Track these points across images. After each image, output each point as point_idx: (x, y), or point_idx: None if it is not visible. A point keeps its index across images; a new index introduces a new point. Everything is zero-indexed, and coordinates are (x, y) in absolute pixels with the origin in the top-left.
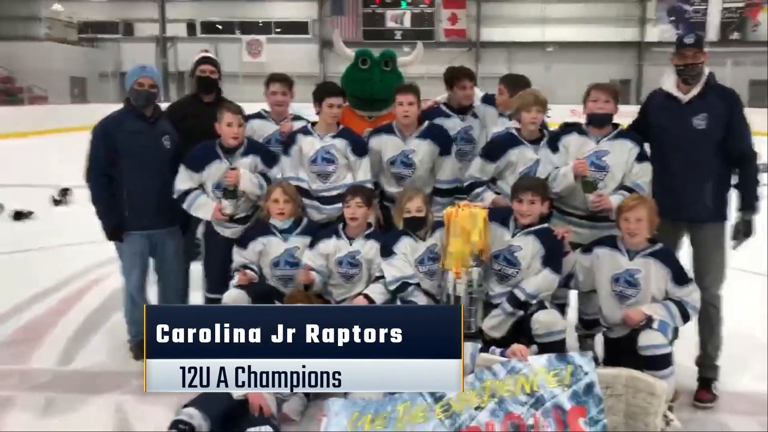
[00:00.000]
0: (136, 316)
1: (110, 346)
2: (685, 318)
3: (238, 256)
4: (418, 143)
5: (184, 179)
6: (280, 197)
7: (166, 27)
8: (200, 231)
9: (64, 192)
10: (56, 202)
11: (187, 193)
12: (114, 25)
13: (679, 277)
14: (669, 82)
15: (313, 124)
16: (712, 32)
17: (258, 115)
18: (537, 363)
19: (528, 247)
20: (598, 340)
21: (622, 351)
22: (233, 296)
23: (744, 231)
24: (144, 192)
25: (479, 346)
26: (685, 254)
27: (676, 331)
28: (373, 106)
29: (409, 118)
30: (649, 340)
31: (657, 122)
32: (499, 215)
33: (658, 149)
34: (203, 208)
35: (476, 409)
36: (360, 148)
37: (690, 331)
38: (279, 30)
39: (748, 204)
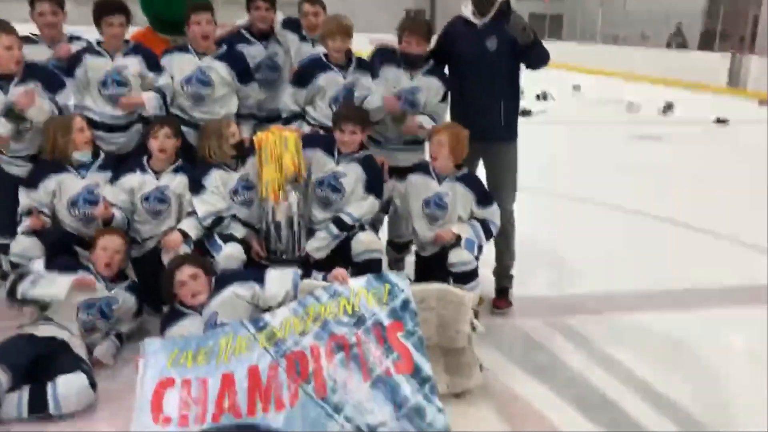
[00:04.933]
0: None
1: None
2: (488, 235)
3: (27, 198)
4: (214, 63)
5: None
6: (84, 127)
7: None
8: None
9: None
10: None
11: None
12: None
13: (483, 199)
14: (467, 10)
15: (99, 43)
16: None
17: (27, 40)
18: (356, 284)
19: (351, 174)
20: (408, 262)
21: (433, 268)
22: (23, 245)
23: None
24: None
25: (300, 272)
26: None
27: (480, 248)
28: (178, 29)
29: (208, 40)
30: (457, 258)
31: (455, 47)
32: (323, 142)
33: (456, 72)
34: None
35: (300, 334)
36: (155, 63)
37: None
38: None
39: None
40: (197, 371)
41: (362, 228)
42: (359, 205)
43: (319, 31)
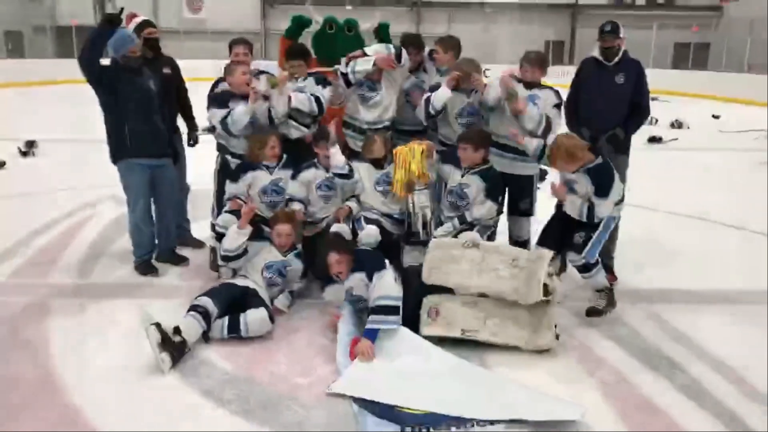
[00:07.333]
0: (140, 240)
1: (117, 265)
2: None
3: (230, 188)
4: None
5: (215, 114)
6: (276, 144)
7: None
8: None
9: (30, 144)
10: (23, 154)
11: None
12: None
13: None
14: (596, 52)
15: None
16: None
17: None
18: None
19: (473, 186)
20: None
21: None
22: (226, 219)
23: (614, 143)
24: (143, 126)
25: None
26: None
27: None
28: (335, 64)
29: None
30: (569, 258)
31: (589, 79)
32: (453, 158)
33: (589, 99)
34: (241, 111)
35: None
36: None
37: None
38: None
39: (625, 128)
40: None
41: (472, 227)
42: (479, 208)
43: (443, 64)
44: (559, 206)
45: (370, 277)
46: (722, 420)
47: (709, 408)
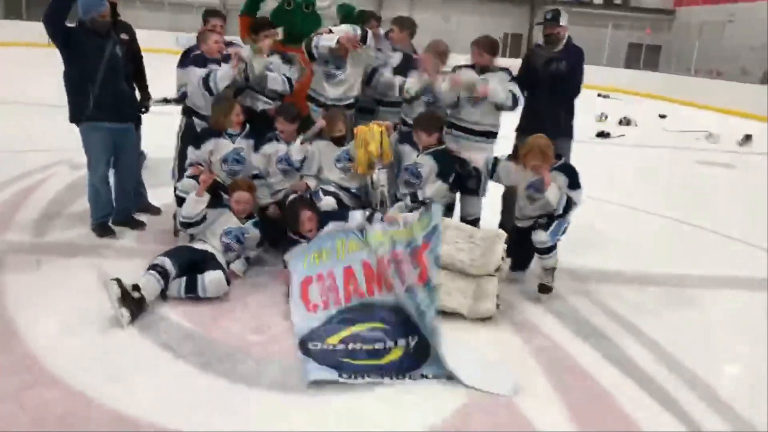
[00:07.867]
0: (98, 203)
1: (74, 226)
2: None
3: (192, 154)
4: None
5: (194, 72)
6: (240, 112)
7: None
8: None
9: None
10: None
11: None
12: None
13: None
14: (541, 39)
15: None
16: None
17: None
18: (412, 218)
19: (426, 166)
20: None
21: (524, 236)
22: (186, 184)
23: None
24: (110, 90)
25: (367, 213)
26: None
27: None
28: (294, 40)
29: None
30: (538, 238)
31: (533, 66)
32: (411, 138)
33: (533, 86)
34: (225, 72)
35: (381, 246)
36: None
37: None
38: None
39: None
40: (324, 266)
41: (424, 205)
42: (431, 187)
43: (398, 43)
44: (506, 213)
45: (344, 219)
46: (644, 385)
47: (631, 374)
